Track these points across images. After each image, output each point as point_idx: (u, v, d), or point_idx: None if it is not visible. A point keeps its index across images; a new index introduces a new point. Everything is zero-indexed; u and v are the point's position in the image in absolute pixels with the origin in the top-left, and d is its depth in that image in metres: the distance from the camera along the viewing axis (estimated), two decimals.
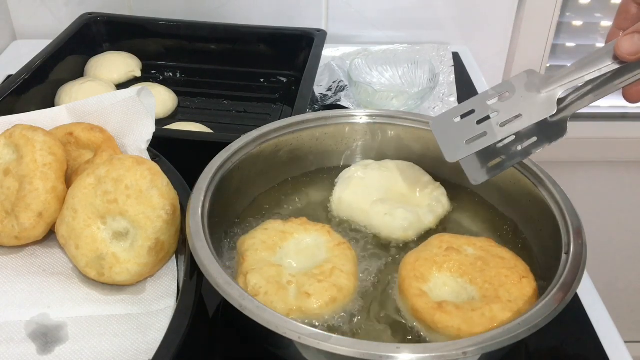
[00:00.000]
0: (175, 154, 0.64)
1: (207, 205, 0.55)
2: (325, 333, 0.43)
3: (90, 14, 0.98)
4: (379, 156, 0.69)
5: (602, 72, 0.48)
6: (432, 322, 0.49)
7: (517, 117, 0.50)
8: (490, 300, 0.50)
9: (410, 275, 0.52)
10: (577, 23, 1.19)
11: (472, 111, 0.52)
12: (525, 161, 0.61)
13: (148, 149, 0.63)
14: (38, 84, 0.83)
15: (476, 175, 0.55)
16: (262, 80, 0.98)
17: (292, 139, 0.66)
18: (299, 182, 0.68)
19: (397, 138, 0.68)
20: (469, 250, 0.54)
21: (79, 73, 0.94)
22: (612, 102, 1.28)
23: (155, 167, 0.56)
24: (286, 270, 0.53)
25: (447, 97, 0.93)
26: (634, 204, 1.36)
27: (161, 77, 0.98)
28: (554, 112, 0.50)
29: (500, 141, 0.52)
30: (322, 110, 0.74)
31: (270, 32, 0.98)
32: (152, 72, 0.98)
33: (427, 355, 0.42)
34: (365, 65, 0.93)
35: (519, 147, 0.54)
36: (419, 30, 1.11)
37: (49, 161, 0.57)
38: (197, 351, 0.52)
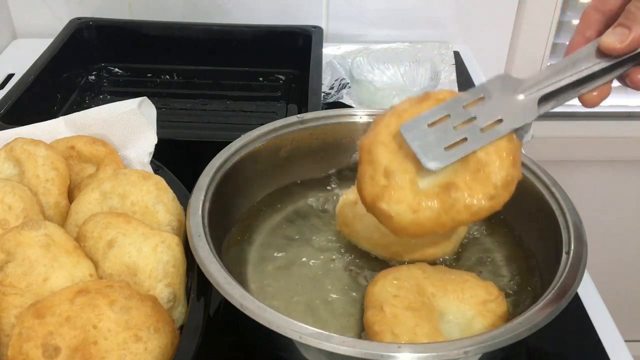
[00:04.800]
0: (176, 155, 0.64)
1: (207, 205, 0.55)
2: (327, 333, 0.43)
3: (79, 18, 0.97)
4: None
5: (581, 76, 0.46)
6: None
7: (498, 121, 0.46)
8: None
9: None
10: (577, 21, 1.19)
11: (448, 116, 0.47)
12: (524, 160, 0.61)
13: (151, 161, 0.63)
14: (31, 103, 0.81)
15: (432, 160, 0.47)
16: (260, 79, 0.98)
17: (293, 137, 0.66)
18: (300, 182, 0.68)
19: None
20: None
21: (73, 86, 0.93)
22: (613, 101, 1.28)
23: (161, 182, 0.56)
24: None
25: None
26: (634, 203, 1.36)
27: (158, 81, 0.97)
28: (536, 116, 0.47)
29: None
30: (325, 108, 0.74)
31: (266, 30, 0.98)
32: (148, 75, 0.98)
33: (427, 354, 0.42)
34: (367, 64, 0.93)
35: (481, 133, 0.48)
36: (420, 29, 1.11)
37: (52, 176, 0.56)
38: None
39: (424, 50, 1.03)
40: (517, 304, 0.55)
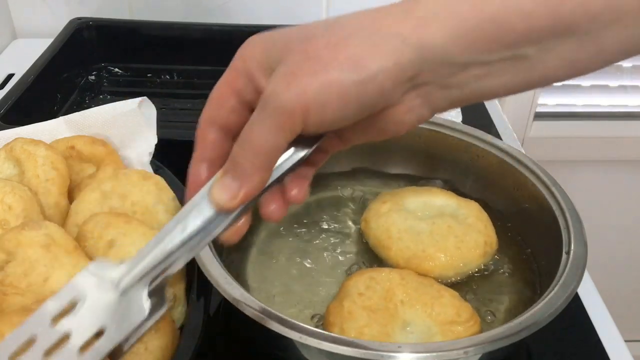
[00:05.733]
0: (176, 155, 0.64)
1: None
2: (326, 333, 0.43)
3: (79, 18, 0.97)
4: (381, 155, 0.69)
5: (194, 239, 0.36)
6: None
7: (99, 334, 0.36)
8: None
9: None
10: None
11: (33, 340, 0.35)
12: (524, 160, 0.62)
13: (151, 161, 0.62)
14: (31, 103, 0.81)
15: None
16: None
17: None
18: None
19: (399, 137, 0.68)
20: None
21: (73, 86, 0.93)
22: (613, 101, 1.28)
23: (162, 182, 0.56)
24: None
25: None
26: (634, 203, 1.36)
27: (158, 81, 0.97)
28: (147, 313, 0.36)
29: None
30: None
31: (266, 30, 0.98)
32: (148, 75, 0.98)
33: (428, 354, 0.42)
34: None
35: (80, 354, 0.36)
36: None
37: (52, 176, 0.56)
38: None
39: None
40: (516, 304, 0.55)
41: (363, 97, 0.33)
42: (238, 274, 0.57)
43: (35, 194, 0.55)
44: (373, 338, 0.48)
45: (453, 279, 0.57)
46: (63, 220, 0.56)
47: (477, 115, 0.90)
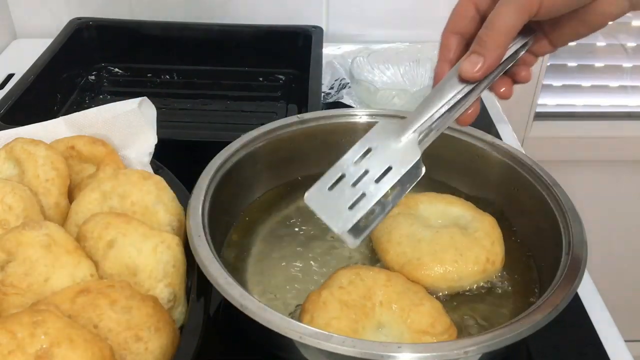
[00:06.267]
0: (176, 155, 0.64)
1: (207, 205, 0.55)
2: (326, 333, 0.43)
3: (79, 18, 0.97)
4: None
5: (451, 104, 0.48)
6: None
7: (388, 170, 0.48)
8: None
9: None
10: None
11: (343, 176, 0.48)
12: (525, 160, 0.62)
13: (151, 161, 0.62)
14: (31, 103, 0.81)
15: (339, 223, 0.48)
16: (260, 79, 0.98)
17: (293, 137, 0.66)
18: (301, 182, 0.68)
19: None
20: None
21: (73, 86, 0.93)
22: (613, 101, 1.28)
23: (161, 182, 0.56)
24: None
25: None
26: (634, 203, 1.36)
27: (158, 81, 0.97)
28: (419, 156, 0.48)
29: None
30: (325, 108, 0.74)
31: (266, 30, 0.98)
32: (148, 75, 0.98)
33: (428, 354, 0.42)
34: (367, 64, 0.93)
35: (383, 200, 0.49)
36: (420, 29, 1.11)
37: (52, 176, 0.56)
38: None
39: (424, 50, 1.03)
40: (516, 304, 0.55)
41: None
42: (238, 274, 0.57)
43: (36, 194, 0.55)
44: (339, 332, 0.48)
45: (447, 292, 0.56)
46: (63, 220, 0.56)
47: (477, 115, 0.90)
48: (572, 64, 1.25)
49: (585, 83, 1.27)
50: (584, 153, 1.28)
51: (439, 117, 0.48)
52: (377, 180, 0.47)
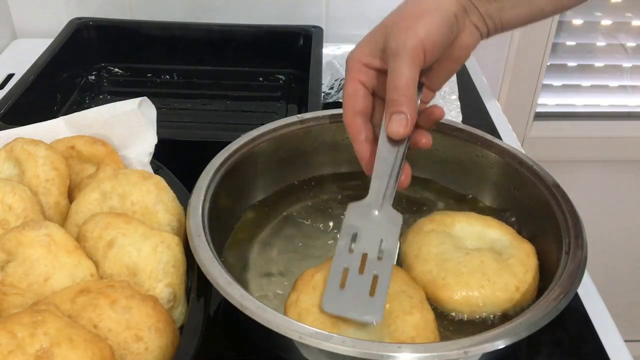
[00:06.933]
0: (176, 155, 0.64)
1: (207, 205, 0.55)
2: (326, 333, 0.43)
3: (79, 18, 0.97)
4: None
5: (397, 165, 0.52)
6: None
7: (382, 242, 0.50)
8: None
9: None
10: (577, 22, 1.20)
11: (346, 269, 0.49)
12: (525, 159, 0.62)
13: (151, 161, 0.62)
14: (31, 103, 0.80)
15: (372, 315, 0.48)
16: (260, 79, 0.98)
17: (293, 137, 0.66)
18: (300, 182, 0.68)
19: None
20: None
21: (73, 86, 0.93)
22: (613, 101, 1.28)
23: (161, 182, 0.56)
24: None
25: (448, 96, 0.93)
26: (634, 203, 1.36)
27: (158, 81, 0.97)
28: (400, 216, 0.51)
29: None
30: (325, 108, 0.74)
31: (266, 30, 0.98)
32: (148, 75, 0.98)
33: (428, 354, 0.42)
34: None
35: (380, 261, 0.50)
36: None
37: (52, 176, 0.56)
38: None
39: None
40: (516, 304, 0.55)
41: (449, 26, 0.50)
42: (238, 274, 0.57)
43: (36, 194, 0.55)
44: (315, 321, 0.48)
45: (467, 317, 0.54)
46: (63, 220, 0.56)
47: (477, 115, 0.90)
48: (572, 64, 1.25)
49: (585, 83, 1.27)
50: (584, 153, 1.28)
51: (394, 179, 0.52)
52: (379, 257, 0.49)
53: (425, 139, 0.55)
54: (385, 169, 0.52)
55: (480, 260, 0.55)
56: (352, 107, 0.54)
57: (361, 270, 0.49)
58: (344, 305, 0.48)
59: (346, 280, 0.48)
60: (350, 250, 0.50)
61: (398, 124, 0.50)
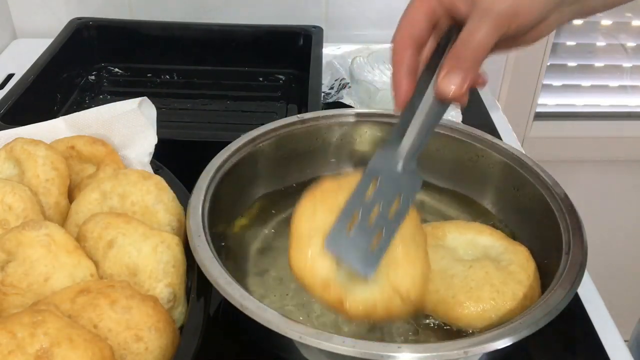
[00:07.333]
0: (176, 155, 0.64)
1: (207, 205, 0.55)
2: (327, 333, 0.43)
3: (79, 18, 0.97)
4: None
5: (436, 121, 0.49)
6: None
7: (398, 196, 0.48)
8: None
9: None
10: (577, 22, 1.20)
11: (357, 212, 0.47)
12: (525, 160, 0.62)
13: (151, 161, 0.62)
14: (31, 103, 0.80)
15: (366, 268, 0.47)
16: (260, 79, 0.98)
17: (293, 137, 0.66)
18: (300, 182, 0.68)
19: None
20: None
21: (73, 86, 0.94)
22: (613, 101, 1.28)
23: (162, 182, 0.56)
24: None
25: None
26: (634, 203, 1.36)
27: (158, 81, 0.97)
28: (421, 182, 0.49)
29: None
30: (325, 108, 0.74)
31: (266, 30, 0.98)
32: (148, 75, 0.98)
33: (428, 354, 0.42)
34: (367, 64, 0.93)
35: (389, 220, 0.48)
36: None
37: (52, 176, 0.56)
38: None
39: None
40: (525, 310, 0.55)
41: (543, 7, 0.45)
42: (238, 274, 0.57)
43: (36, 194, 0.55)
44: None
45: (479, 329, 0.52)
46: (63, 220, 0.56)
47: (477, 115, 0.90)
48: (572, 63, 1.25)
49: (585, 83, 1.27)
50: (584, 153, 1.28)
51: (426, 137, 0.49)
52: (391, 215, 0.47)
53: (481, 79, 0.49)
54: (428, 126, 0.48)
55: (484, 271, 0.54)
56: (409, 32, 0.49)
57: (370, 221, 0.47)
58: (345, 250, 0.46)
59: (354, 225, 0.47)
60: (367, 195, 0.48)
61: (451, 82, 0.45)
